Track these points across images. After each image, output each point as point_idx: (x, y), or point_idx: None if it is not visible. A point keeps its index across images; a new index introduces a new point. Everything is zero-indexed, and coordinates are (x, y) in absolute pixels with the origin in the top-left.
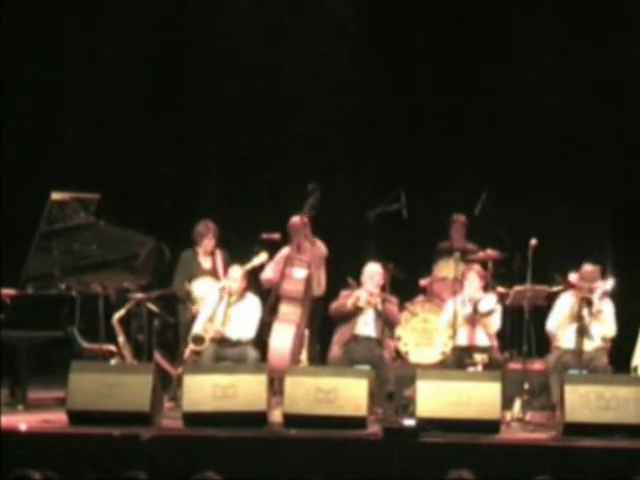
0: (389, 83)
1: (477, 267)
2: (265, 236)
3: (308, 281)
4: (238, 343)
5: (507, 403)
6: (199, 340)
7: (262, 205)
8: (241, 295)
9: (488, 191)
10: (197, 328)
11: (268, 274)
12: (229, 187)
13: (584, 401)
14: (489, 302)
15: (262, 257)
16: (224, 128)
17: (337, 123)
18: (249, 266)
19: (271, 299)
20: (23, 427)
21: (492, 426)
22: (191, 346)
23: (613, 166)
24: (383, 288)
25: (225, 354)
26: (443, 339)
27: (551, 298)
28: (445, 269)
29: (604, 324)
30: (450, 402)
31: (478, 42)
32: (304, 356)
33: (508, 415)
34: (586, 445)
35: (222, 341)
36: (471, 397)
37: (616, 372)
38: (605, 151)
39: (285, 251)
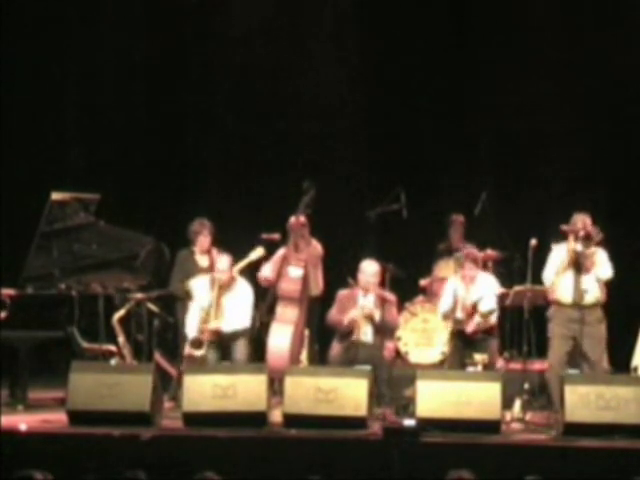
0: (390, 82)
1: (472, 252)
2: (265, 236)
3: (305, 280)
4: (234, 335)
5: (507, 403)
6: (197, 343)
7: (262, 205)
8: (230, 284)
9: (488, 191)
10: (192, 331)
11: (265, 272)
12: (229, 187)
13: (584, 401)
14: (489, 302)
15: (258, 252)
16: (224, 127)
17: (337, 123)
18: (246, 261)
19: (268, 299)
20: (23, 427)
21: (492, 426)
22: (190, 350)
23: (613, 166)
24: (381, 284)
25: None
26: (443, 339)
27: (550, 303)
28: (445, 269)
29: (599, 265)
30: (450, 402)
31: (479, 43)
32: (304, 356)
33: (508, 415)
34: (586, 445)
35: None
36: (471, 397)
37: (616, 372)
38: (605, 151)
39: (282, 251)
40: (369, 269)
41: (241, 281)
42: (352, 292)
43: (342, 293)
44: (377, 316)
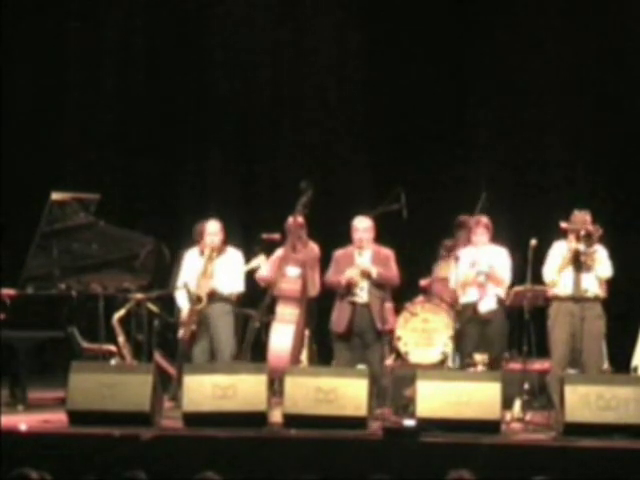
0: (389, 82)
1: (484, 220)
2: (265, 236)
3: (304, 279)
4: (227, 298)
5: (507, 403)
6: (198, 299)
7: (262, 205)
8: (221, 250)
9: (488, 191)
10: (183, 302)
11: (263, 273)
12: (229, 187)
13: (584, 401)
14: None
15: (259, 260)
16: (224, 127)
17: (337, 122)
18: (247, 268)
19: (267, 299)
20: (23, 427)
21: (492, 426)
22: (191, 307)
23: (611, 166)
24: (374, 240)
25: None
26: (443, 339)
27: (550, 299)
28: (446, 269)
29: (599, 264)
30: (450, 402)
31: (478, 43)
32: (304, 356)
33: (508, 415)
34: (586, 445)
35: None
36: (471, 397)
37: (616, 372)
38: (604, 151)
39: (280, 251)
40: (361, 225)
41: (231, 249)
42: (348, 250)
43: (339, 253)
44: (374, 273)
